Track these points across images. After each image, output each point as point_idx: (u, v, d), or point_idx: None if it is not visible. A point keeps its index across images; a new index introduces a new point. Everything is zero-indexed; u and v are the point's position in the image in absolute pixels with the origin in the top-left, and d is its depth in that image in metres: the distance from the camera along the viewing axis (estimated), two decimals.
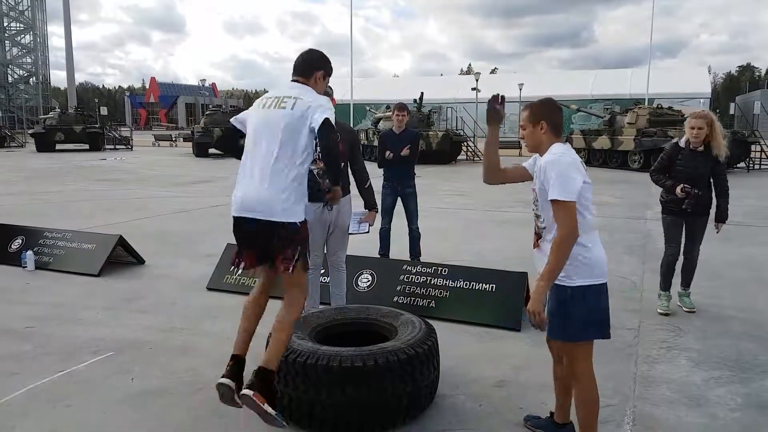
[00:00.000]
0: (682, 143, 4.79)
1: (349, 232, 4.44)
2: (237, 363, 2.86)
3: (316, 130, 2.81)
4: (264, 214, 2.80)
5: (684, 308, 4.97)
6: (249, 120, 3.02)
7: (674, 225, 4.92)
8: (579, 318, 2.61)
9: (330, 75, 3.16)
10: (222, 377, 2.79)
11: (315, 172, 4.17)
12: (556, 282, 2.60)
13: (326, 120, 2.80)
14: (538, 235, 2.78)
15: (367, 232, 4.56)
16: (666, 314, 4.81)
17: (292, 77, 3.06)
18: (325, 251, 4.46)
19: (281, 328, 2.86)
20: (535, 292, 2.54)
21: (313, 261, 4.40)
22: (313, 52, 3.14)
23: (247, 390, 2.64)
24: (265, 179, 2.82)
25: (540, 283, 2.54)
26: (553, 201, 2.55)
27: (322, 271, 4.67)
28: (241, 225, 2.90)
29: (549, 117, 2.71)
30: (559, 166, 2.57)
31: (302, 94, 2.92)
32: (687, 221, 4.85)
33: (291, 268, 2.83)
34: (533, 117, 2.74)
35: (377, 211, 4.57)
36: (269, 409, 2.62)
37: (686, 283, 5.05)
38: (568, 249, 2.52)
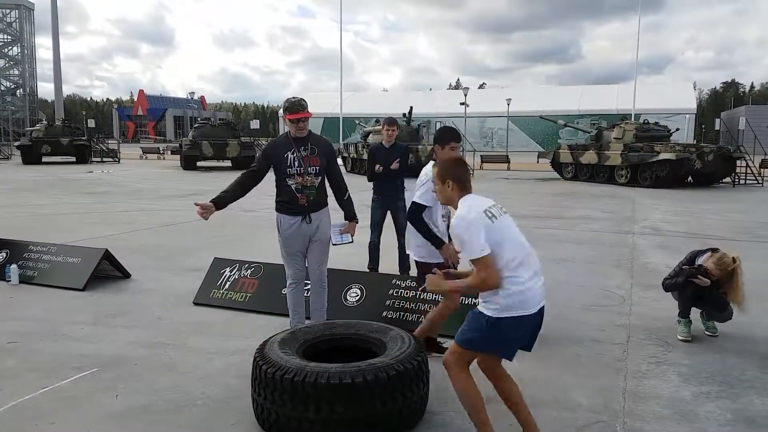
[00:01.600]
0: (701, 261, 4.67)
1: (333, 243, 4.41)
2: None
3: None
4: None
5: (707, 332, 4.80)
6: None
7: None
8: (483, 336, 2.85)
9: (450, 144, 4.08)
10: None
11: (293, 187, 4.17)
12: (479, 309, 2.90)
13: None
14: None
15: (351, 242, 4.53)
16: (687, 341, 4.61)
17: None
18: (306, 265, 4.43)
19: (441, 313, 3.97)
20: (450, 287, 3.10)
21: (295, 275, 4.37)
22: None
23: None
24: None
25: (455, 285, 3.07)
26: (471, 260, 2.82)
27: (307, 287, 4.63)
28: None
29: (453, 175, 2.98)
30: (464, 226, 2.80)
31: None
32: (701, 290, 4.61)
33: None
34: (441, 176, 3.03)
35: (357, 222, 4.54)
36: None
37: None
38: (481, 290, 2.87)
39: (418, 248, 4.06)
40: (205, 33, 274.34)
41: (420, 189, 3.95)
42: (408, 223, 4.03)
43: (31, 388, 3.68)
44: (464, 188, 2.99)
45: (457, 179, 2.98)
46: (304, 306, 4.47)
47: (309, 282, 4.53)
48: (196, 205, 4.10)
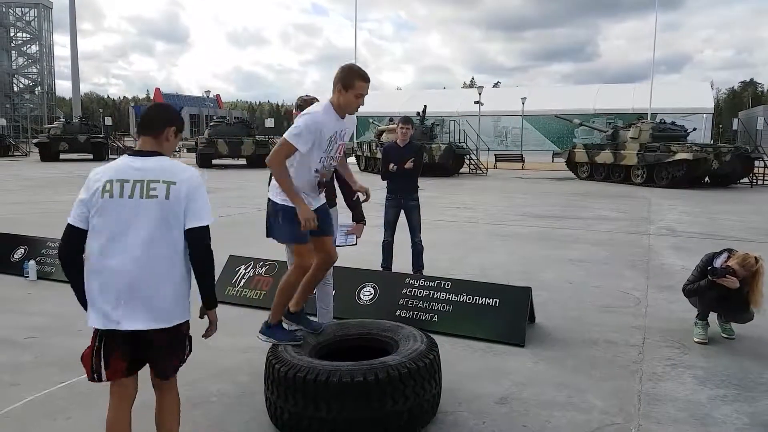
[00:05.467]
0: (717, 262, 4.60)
1: (336, 244, 4.36)
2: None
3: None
4: None
5: (723, 335, 4.75)
6: None
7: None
8: None
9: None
10: None
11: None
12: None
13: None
14: (324, 186, 3.47)
15: (355, 244, 4.49)
16: (703, 343, 4.56)
17: None
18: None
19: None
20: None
21: None
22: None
23: None
24: None
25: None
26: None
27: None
28: None
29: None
30: None
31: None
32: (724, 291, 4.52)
33: None
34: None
35: (365, 224, 4.51)
36: None
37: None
38: None
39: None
40: (219, 31, 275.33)
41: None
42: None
43: (49, 383, 3.73)
44: None
45: None
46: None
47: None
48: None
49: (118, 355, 2.50)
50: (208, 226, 2.52)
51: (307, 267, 3.46)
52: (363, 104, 3.39)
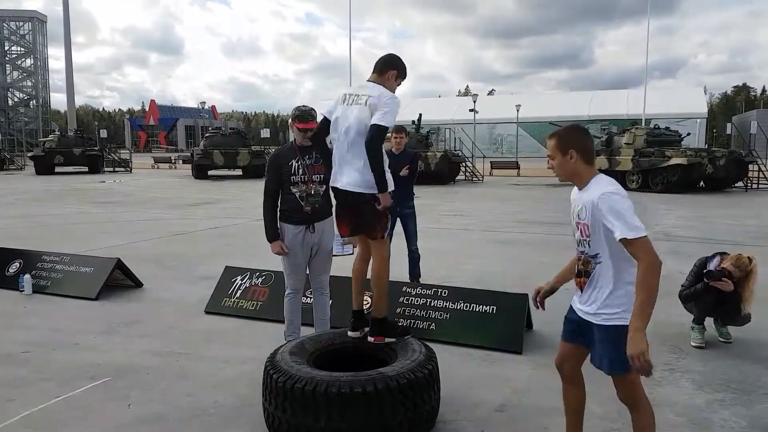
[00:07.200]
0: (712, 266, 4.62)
1: (333, 253, 4.37)
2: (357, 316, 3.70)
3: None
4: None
5: (721, 339, 4.76)
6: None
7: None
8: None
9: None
10: (349, 331, 3.64)
11: (297, 195, 4.15)
12: (613, 323, 2.52)
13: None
14: (586, 275, 2.71)
15: (351, 254, 4.48)
16: (700, 347, 4.58)
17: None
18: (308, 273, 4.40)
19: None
20: (635, 335, 2.33)
21: (294, 285, 4.34)
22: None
23: (370, 337, 3.52)
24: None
25: (638, 324, 2.34)
26: (624, 240, 2.43)
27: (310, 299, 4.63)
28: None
29: (578, 144, 2.64)
30: (626, 198, 2.58)
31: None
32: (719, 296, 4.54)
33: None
34: (562, 146, 2.67)
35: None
36: (390, 340, 3.49)
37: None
38: (655, 282, 2.37)
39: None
40: (214, 42, 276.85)
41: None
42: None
43: (45, 398, 3.70)
44: (590, 163, 2.68)
45: (582, 151, 2.66)
46: (300, 316, 4.43)
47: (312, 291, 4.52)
48: (279, 253, 4.26)
49: (337, 211, 3.73)
50: (380, 127, 3.35)
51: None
52: None
